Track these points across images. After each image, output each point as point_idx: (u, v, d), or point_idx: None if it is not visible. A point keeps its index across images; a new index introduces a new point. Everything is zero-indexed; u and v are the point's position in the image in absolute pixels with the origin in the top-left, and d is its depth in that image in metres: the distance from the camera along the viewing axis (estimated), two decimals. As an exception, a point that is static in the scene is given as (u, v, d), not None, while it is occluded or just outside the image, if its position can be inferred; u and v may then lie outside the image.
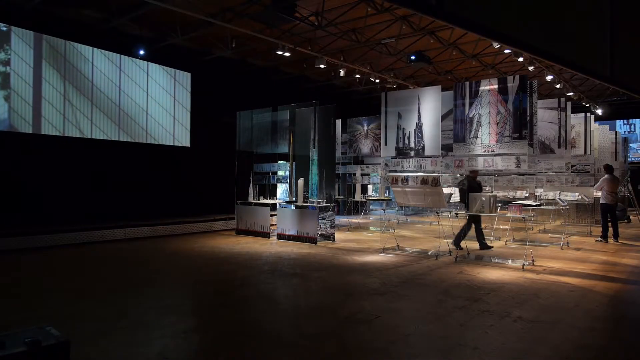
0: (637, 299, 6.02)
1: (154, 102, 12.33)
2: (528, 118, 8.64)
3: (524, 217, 8.12)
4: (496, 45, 11.58)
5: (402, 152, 10.37)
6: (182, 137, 13.06)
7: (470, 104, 9.16)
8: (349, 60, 13.45)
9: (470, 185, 8.72)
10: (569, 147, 11.63)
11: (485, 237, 10.65)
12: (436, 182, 7.89)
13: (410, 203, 8.71)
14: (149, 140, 12.20)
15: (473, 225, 8.87)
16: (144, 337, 4.17)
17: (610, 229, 10.45)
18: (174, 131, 12.86)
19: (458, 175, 9.91)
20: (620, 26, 2.93)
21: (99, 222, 10.46)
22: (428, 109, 10.08)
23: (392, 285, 6.24)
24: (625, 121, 21.64)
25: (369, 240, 10.60)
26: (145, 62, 12.08)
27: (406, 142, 10.33)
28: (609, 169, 10.54)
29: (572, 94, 16.41)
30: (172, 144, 12.71)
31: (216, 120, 13.63)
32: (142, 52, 11.71)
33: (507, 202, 9.79)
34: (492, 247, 9.12)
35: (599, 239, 10.48)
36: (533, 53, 2.57)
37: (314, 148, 10.52)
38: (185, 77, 13.05)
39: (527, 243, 8.92)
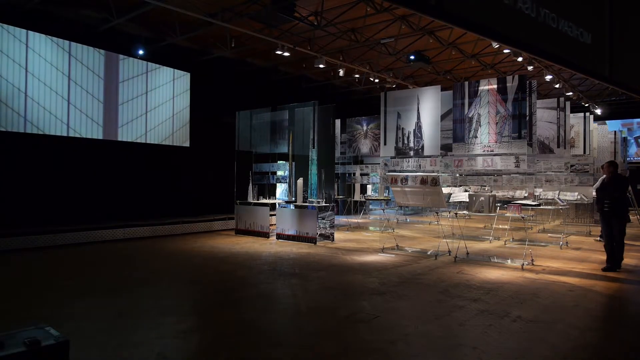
0: (637, 298, 6.02)
1: (37, 81, 9.82)
2: (527, 118, 8.64)
3: (523, 217, 8.13)
4: (495, 45, 11.58)
5: (401, 152, 10.37)
6: (79, 125, 10.50)
7: (470, 104, 9.15)
8: (348, 60, 13.44)
9: (605, 185, 7.26)
10: (568, 146, 11.63)
11: (485, 237, 10.68)
12: (435, 182, 7.89)
13: (410, 203, 8.71)
14: (29, 129, 9.71)
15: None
16: (144, 337, 4.17)
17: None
18: (69, 118, 10.29)
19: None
20: (619, 26, 2.94)
21: (98, 222, 10.45)
22: (427, 109, 10.07)
23: (391, 285, 6.24)
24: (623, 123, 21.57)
25: (369, 240, 10.60)
26: (24, 31, 9.65)
27: (405, 142, 10.32)
28: (608, 168, 10.54)
29: (571, 93, 16.42)
30: (66, 134, 10.28)
31: (216, 120, 13.64)
32: (141, 52, 11.70)
33: (506, 202, 9.80)
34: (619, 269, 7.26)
35: (598, 238, 10.48)
36: (532, 53, 2.57)
37: (314, 148, 10.52)
38: (89, 54, 10.71)
39: (527, 243, 8.93)
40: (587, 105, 17.97)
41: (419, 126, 10.18)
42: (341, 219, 14.70)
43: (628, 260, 8.34)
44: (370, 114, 14.11)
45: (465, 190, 10.69)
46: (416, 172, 9.94)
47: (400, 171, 10.26)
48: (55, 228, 9.46)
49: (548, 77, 14.33)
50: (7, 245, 8.59)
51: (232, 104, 12.91)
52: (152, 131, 12.20)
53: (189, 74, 13.05)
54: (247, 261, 7.96)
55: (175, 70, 12.70)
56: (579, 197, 10.96)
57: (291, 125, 11.11)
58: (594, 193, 11.55)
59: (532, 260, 7.83)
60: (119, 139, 11.39)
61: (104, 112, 11.08)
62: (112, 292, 5.84)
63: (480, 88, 9.06)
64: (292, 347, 4.03)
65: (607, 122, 16.31)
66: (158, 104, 12.35)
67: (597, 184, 10.64)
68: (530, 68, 12.89)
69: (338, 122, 13.64)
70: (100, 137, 10.99)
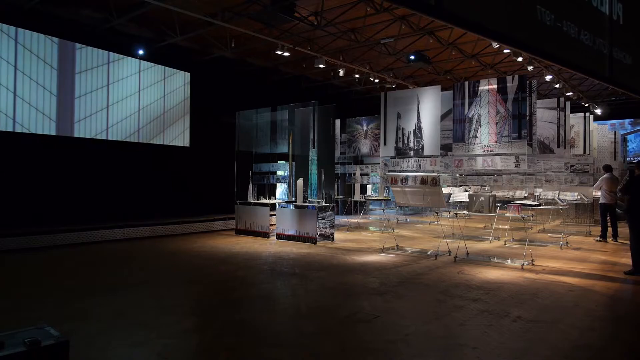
0: (637, 298, 6.03)
1: None
2: (527, 118, 8.64)
3: (523, 217, 8.12)
4: (495, 45, 11.58)
5: (401, 152, 10.37)
6: (27, 120, 9.55)
7: (470, 104, 9.16)
8: (348, 60, 13.44)
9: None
10: (568, 146, 11.65)
11: (485, 237, 10.68)
12: (435, 182, 7.89)
13: (410, 203, 8.71)
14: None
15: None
16: (144, 337, 4.17)
17: (610, 229, 10.46)
18: (15, 112, 9.39)
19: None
20: (619, 26, 2.94)
21: (98, 222, 10.45)
22: (427, 109, 10.07)
23: (391, 285, 6.24)
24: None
25: (368, 240, 10.60)
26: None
27: (405, 142, 10.33)
28: (607, 168, 10.58)
29: (571, 93, 16.41)
30: (12, 129, 9.40)
31: (216, 120, 13.64)
32: (141, 52, 11.69)
33: (506, 202, 9.80)
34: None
35: (598, 238, 10.49)
36: (532, 53, 2.57)
37: (314, 148, 10.52)
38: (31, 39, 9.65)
39: (527, 243, 8.93)
40: (587, 105, 17.97)
41: (419, 126, 10.19)
42: (341, 219, 14.70)
43: (627, 260, 8.32)
44: (370, 114, 14.11)
45: (465, 190, 10.70)
46: (416, 172, 9.95)
47: (400, 171, 10.26)
48: (55, 228, 9.46)
49: (548, 77, 14.33)
50: (6, 245, 8.59)
51: (232, 104, 12.91)
52: (115, 127, 11.29)
53: (158, 65, 12.37)
54: (247, 261, 7.96)
55: (142, 61, 11.91)
56: (579, 197, 10.96)
57: (291, 125, 11.11)
58: (594, 193, 11.59)
59: (532, 260, 7.83)
60: (75, 134, 10.54)
61: (58, 105, 10.15)
62: (112, 292, 5.84)
63: (480, 88, 9.06)
64: (292, 347, 4.03)
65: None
66: (122, 98, 11.43)
67: (597, 183, 10.68)
68: (530, 68, 12.88)
69: (338, 122, 13.64)
70: (53, 133, 10.13)
